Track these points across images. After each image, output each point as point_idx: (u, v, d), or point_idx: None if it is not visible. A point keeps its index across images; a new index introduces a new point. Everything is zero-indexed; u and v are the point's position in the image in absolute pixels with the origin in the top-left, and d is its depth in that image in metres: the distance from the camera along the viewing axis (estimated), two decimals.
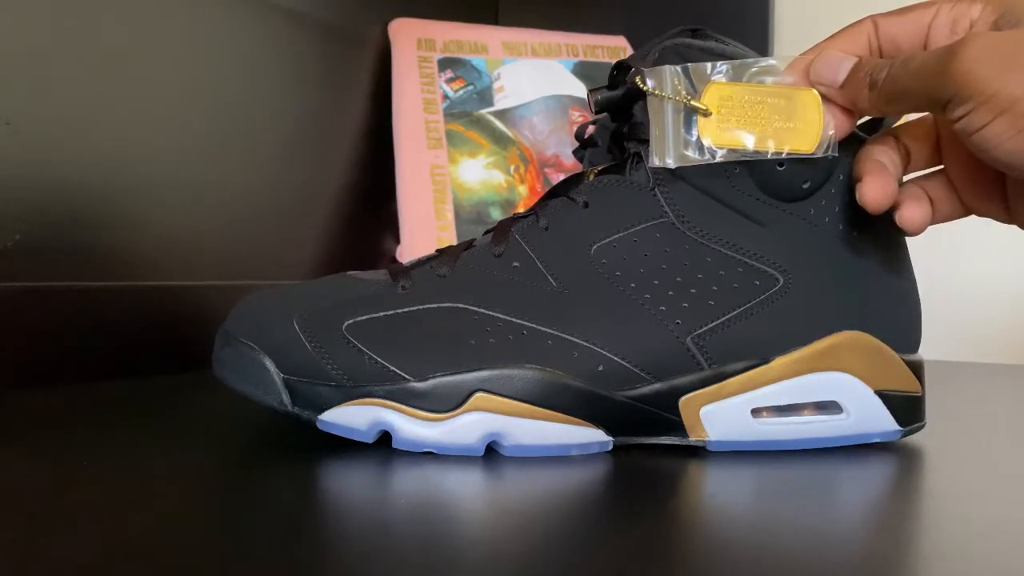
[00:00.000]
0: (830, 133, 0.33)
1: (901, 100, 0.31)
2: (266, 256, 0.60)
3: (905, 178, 0.35)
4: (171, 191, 0.53)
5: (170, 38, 0.53)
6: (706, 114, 0.32)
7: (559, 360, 0.33)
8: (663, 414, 0.34)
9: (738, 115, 0.33)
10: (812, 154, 0.33)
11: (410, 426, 0.32)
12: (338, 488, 0.28)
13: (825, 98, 0.33)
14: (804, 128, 0.33)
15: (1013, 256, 0.76)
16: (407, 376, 0.32)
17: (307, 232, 0.64)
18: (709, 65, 0.33)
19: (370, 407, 0.32)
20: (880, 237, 0.36)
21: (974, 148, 0.30)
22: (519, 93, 0.69)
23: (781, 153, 0.33)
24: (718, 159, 0.33)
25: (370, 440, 0.33)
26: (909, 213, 0.33)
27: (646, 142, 0.34)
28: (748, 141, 0.33)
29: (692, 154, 0.33)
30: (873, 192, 0.33)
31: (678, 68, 0.33)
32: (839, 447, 0.35)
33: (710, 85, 0.33)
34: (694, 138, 0.33)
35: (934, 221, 0.34)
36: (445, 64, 0.68)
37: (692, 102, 0.32)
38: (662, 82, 0.33)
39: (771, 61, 0.33)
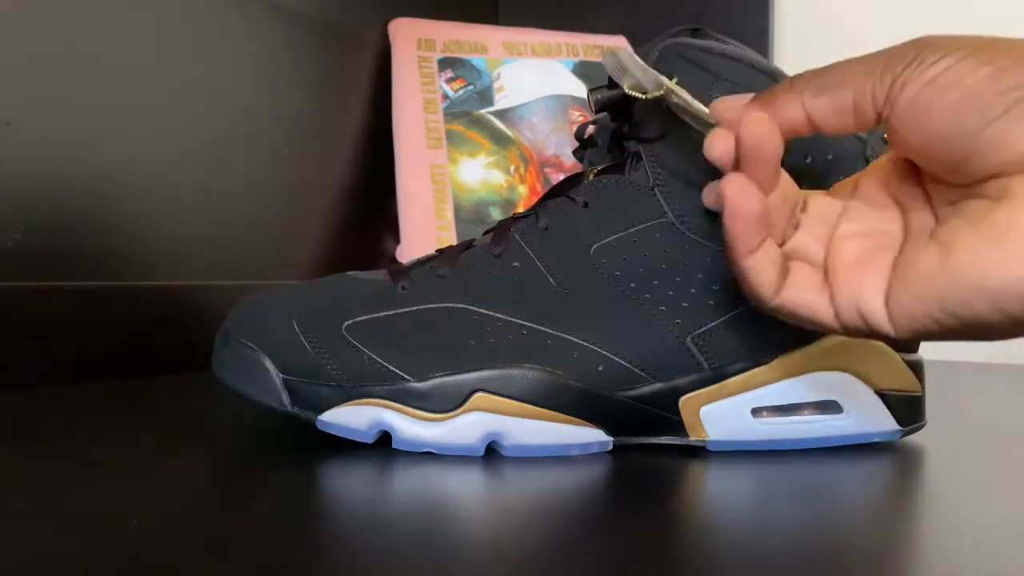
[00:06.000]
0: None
1: (836, 87, 0.27)
2: (266, 256, 0.60)
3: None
4: (171, 191, 0.53)
5: (169, 38, 0.53)
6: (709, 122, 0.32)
7: (559, 360, 0.33)
8: (663, 414, 0.34)
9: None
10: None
11: (410, 426, 0.32)
12: (338, 488, 0.28)
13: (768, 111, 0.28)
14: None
15: None
16: (407, 376, 0.32)
17: (307, 232, 0.64)
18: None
19: (370, 407, 0.32)
20: None
21: (908, 116, 0.26)
22: (519, 93, 0.69)
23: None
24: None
25: (370, 440, 0.33)
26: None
27: (646, 141, 0.34)
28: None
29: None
30: (718, 150, 0.29)
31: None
32: (839, 447, 0.35)
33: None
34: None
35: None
36: (445, 64, 0.68)
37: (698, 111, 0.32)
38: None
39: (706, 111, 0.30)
